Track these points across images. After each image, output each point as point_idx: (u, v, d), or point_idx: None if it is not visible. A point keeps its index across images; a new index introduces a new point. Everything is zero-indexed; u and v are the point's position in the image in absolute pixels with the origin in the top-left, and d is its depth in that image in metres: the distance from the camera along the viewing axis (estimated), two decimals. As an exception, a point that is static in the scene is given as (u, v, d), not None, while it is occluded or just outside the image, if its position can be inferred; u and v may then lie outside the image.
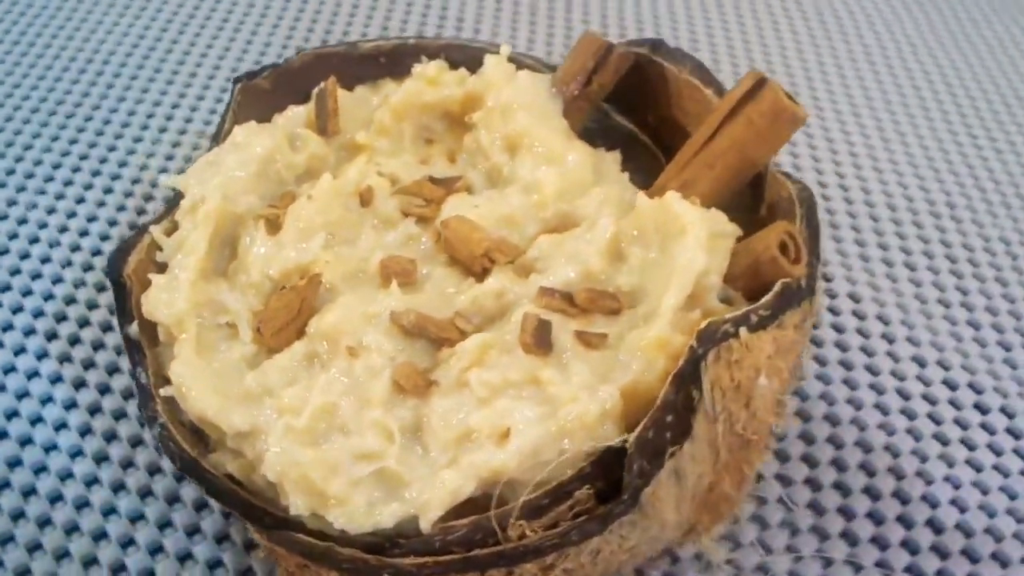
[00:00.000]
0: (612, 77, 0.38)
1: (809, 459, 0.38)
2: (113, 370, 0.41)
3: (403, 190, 0.36)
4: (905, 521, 0.36)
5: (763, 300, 0.30)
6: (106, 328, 0.42)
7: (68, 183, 0.48)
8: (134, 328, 0.34)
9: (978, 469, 0.38)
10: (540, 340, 0.30)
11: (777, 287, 0.30)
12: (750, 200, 0.36)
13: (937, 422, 0.40)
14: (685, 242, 0.32)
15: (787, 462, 0.38)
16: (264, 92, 0.40)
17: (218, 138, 0.39)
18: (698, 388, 0.27)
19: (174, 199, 0.37)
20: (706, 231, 0.32)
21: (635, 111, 0.40)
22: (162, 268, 0.35)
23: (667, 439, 0.28)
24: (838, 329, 0.43)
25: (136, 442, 0.38)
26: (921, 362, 0.42)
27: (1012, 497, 0.37)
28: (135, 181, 0.49)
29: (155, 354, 0.34)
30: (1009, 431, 0.39)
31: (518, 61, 0.40)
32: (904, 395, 0.41)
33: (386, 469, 0.30)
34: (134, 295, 0.35)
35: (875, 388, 0.41)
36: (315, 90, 0.39)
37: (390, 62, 0.41)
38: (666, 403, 0.28)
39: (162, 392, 0.32)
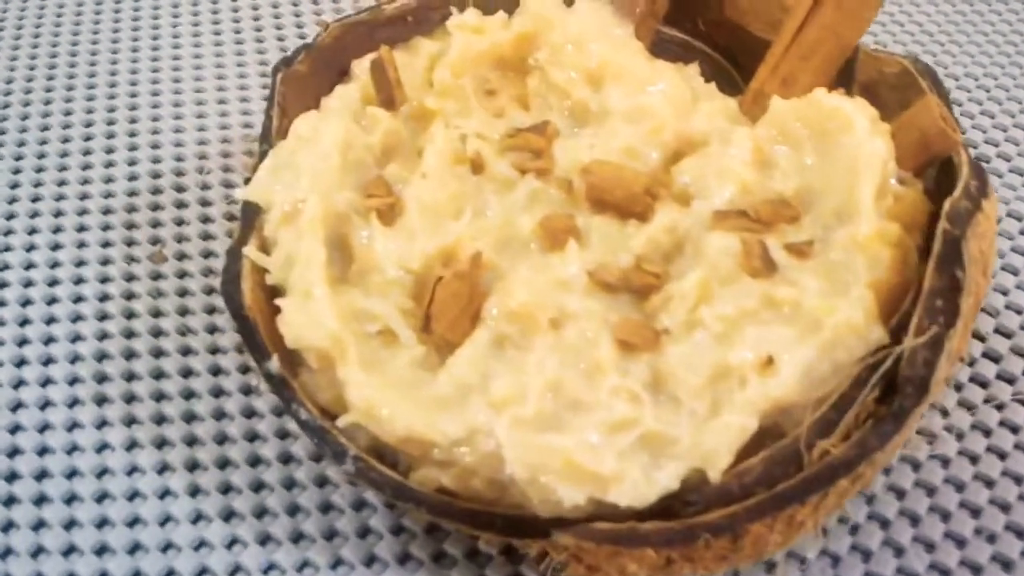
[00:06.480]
0: (672, -13, 0.37)
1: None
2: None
3: (509, 147, 0.34)
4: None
5: (964, 170, 0.30)
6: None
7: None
8: (275, 364, 0.30)
9: None
10: (767, 261, 0.29)
11: (962, 157, 0.30)
12: (838, 85, 0.35)
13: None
14: (854, 134, 0.31)
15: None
16: (303, 76, 0.36)
17: (268, 137, 0.35)
18: (961, 268, 0.27)
19: (248, 214, 0.33)
20: (868, 118, 0.32)
21: (681, 21, 0.39)
22: (274, 292, 0.32)
23: (941, 324, 0.27)
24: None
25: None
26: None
27: None
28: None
29: (301, 384, 0.31)
30: None
31: None
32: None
33: (646, 432, 0.28)
34: (261, 328, 0.31)
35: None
36: (369, 63, 0.36)
37: (416, 20, 0.38)
38: (933, 289, 0.27)
39: (339, 423, 0.29)
